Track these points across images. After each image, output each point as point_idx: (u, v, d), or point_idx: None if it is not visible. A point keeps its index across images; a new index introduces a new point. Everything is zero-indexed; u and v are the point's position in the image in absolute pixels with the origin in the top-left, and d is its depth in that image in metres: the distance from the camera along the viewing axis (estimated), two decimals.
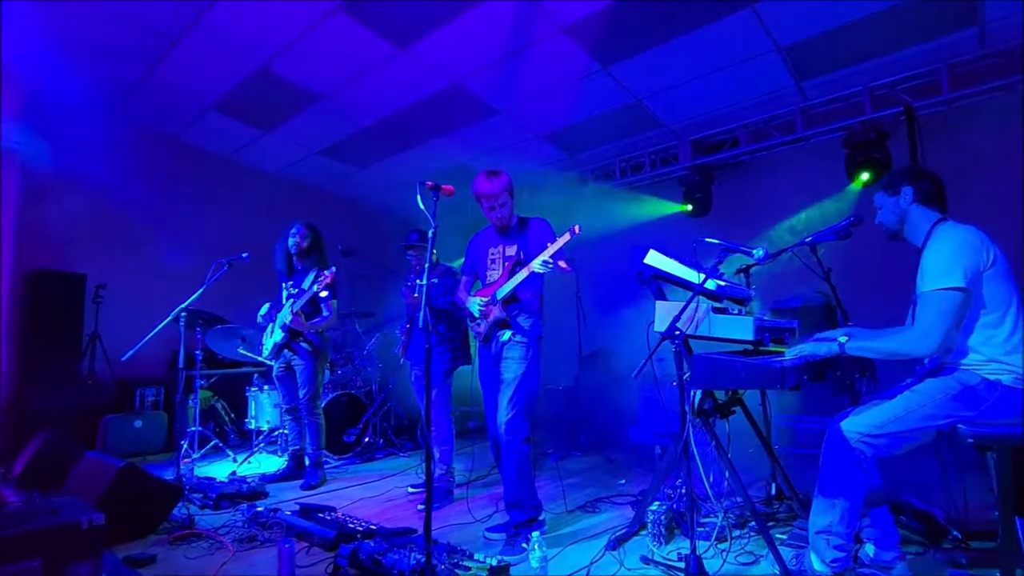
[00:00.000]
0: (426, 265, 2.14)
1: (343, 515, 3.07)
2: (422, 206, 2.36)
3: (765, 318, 2.50)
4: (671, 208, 5.95)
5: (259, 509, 3.22)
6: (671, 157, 5.96)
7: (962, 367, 1.99)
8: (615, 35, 4.43)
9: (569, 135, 6.07)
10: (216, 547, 2.81)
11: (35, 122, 5.23)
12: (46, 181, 5.39)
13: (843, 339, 2.11)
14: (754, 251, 2.13)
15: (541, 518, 2.87)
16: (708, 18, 4.23)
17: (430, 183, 2.47)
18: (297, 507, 3.16)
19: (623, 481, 3.84)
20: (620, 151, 6.29)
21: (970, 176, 4.05)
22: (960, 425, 1.87)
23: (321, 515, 3.04)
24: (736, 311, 2.55)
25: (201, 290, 3.84)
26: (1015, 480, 1.93)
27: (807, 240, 2.57)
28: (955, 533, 2.49)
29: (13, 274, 5.21)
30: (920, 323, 1.96)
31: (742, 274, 3.12)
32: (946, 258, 1.94)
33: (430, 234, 2.30)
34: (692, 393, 2.37)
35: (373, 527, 2.87)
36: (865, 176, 4.73)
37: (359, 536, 2.60)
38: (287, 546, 2.37)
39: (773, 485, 3.14)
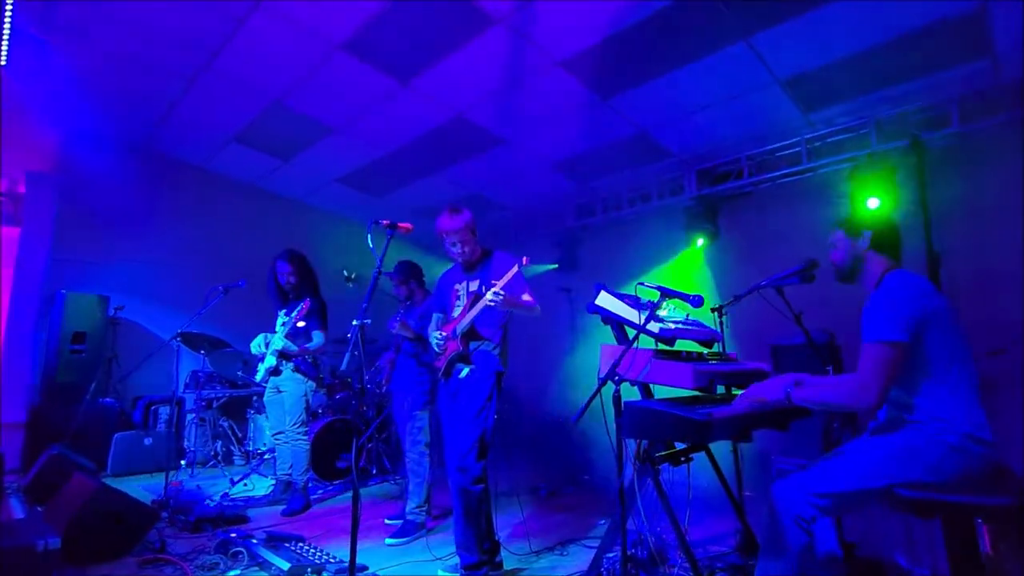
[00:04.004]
0: (364, 305, 2.17)
1: (309, 545, 3.10)
2: (371, 244, 2.40)
3: (721, 360, 2.42)
4: (679, 238, 5.84)
5: (232, 535, 3.28)
6: (678, 188, 5.88)
7: (907, 425, 1.87)
8: (609, 70, 4.45)
9: (578, 164, 6.08)
10: (180, 572, 2.88)
11: (69, 157, 5.65)
12: (79, 210, 5.79)
13: (793, 386, 2.03)
14: (691, 296, 2.08)
15: (498, 559, 2.82)
16: (701, 53, 4.20)
17: (386, 221, 2.52)
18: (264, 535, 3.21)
19: (602, 521, 3.73)
20: (630, 180, 6.24)
21: (979, 213, 3.87)
22: (896, 489, 1.74)
23: (286, 545, 3.07)
24: (695, 355, 2.48)
25: (196, 315, 3.99)
26: (965, 550, 1.79)
27: (761, 284, 2.49)
28: None
29: (41, 296, 5.56)
30: (860, 375, 1.86)
31: (716, 313, 3.03)
32: (886, 310, 1.85)
33: (375, 273, 2.33)
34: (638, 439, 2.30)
35: (332, 560, 2.87)
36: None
37: (308, 570, 2.61)
38: None
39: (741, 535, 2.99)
